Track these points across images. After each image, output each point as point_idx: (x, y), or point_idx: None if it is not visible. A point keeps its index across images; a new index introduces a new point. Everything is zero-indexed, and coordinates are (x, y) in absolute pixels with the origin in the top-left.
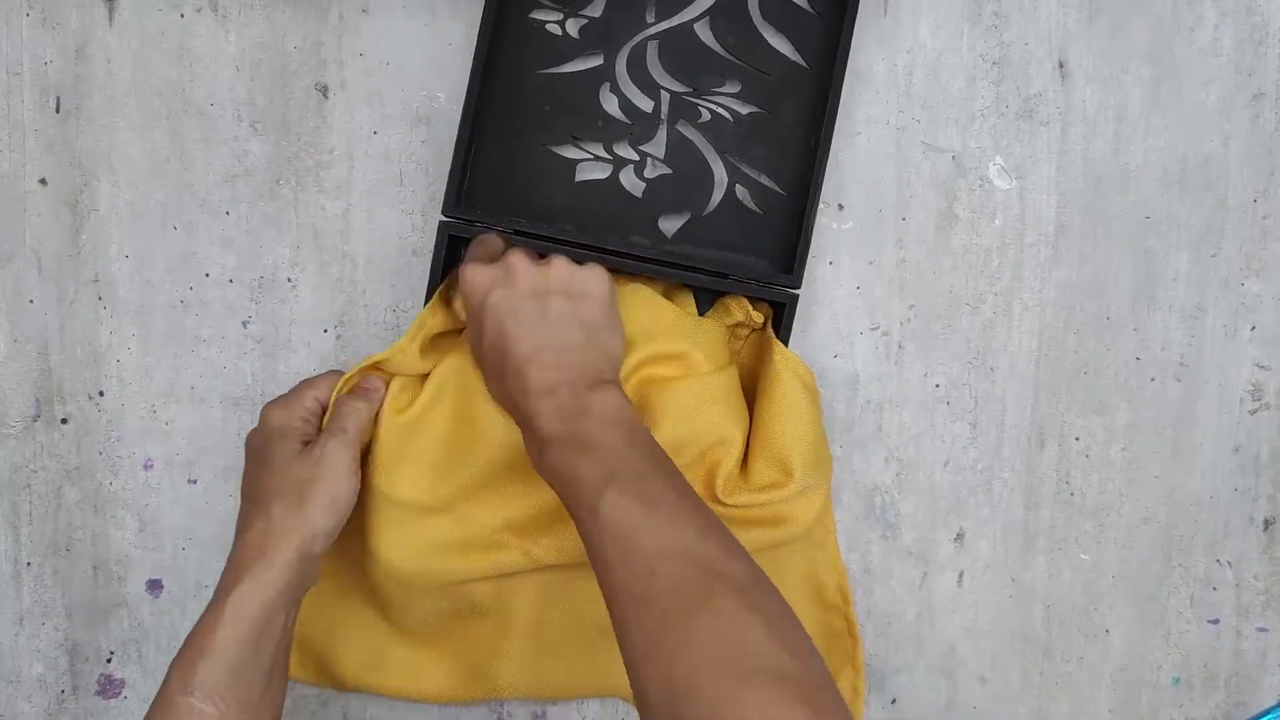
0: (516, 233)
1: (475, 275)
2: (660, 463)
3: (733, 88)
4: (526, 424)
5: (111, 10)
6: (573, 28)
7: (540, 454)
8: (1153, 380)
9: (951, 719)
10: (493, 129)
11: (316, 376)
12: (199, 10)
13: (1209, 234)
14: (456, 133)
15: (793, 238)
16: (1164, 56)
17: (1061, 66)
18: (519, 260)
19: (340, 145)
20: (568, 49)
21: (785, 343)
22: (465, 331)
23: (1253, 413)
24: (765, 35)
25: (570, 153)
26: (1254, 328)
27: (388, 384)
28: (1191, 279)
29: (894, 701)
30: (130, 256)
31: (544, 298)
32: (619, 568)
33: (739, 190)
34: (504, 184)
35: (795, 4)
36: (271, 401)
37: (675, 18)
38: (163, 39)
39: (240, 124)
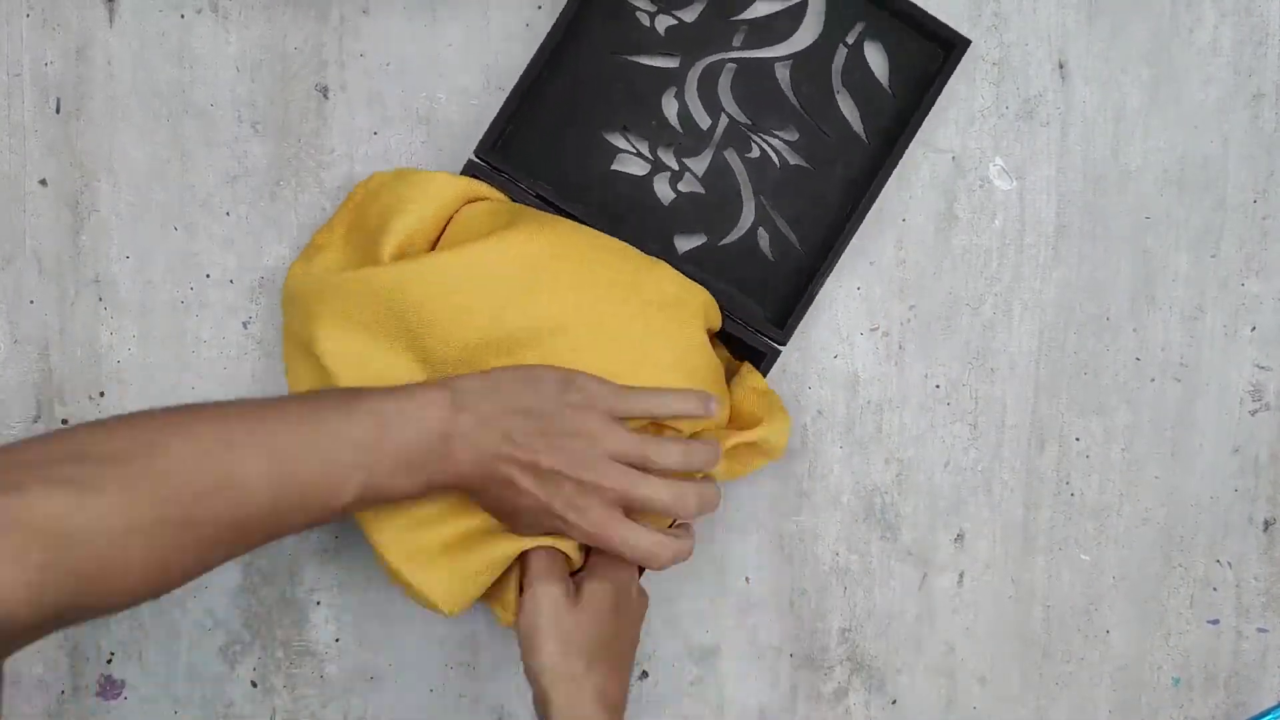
0: (537, 196)
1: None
2: None
3: (789, 135)
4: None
5: (112, 11)
6: (661, 24)
7: None
8: (1152, 381)
9: (951, 719)
10: (551, 90)
11: None
12: (199, 11)
13: (1208, 234)
14: (519, 77)
15: (796, 296)
16: (1163, 57)
17: (1061, 67)
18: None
19: (340, 146)
20: (649, 42)
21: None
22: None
23: (1253, 413)
24: (837, 98)
25: (615, 140)
26: (1254, 328)
27: None
28: (1191, 279)
29: (894, 702)
30: (131, 257)
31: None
32: None
33: (760, 232)
34: (541, 146)
35: (876, 78)
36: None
37: (759, 50)
38: (163, 40)
39: (241, 125)
